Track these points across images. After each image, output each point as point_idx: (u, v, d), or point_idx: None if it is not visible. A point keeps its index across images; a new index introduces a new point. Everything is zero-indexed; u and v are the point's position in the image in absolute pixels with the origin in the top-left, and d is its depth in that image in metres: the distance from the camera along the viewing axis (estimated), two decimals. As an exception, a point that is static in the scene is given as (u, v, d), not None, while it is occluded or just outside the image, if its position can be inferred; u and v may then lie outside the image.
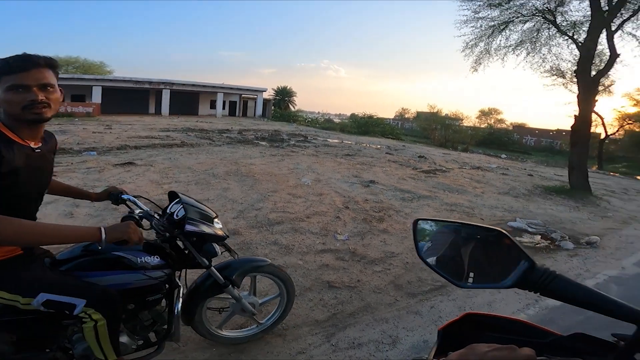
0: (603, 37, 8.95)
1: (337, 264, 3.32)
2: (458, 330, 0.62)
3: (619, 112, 27.62)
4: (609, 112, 32.76)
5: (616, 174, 17.67)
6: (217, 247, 1.62)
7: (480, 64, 11.31)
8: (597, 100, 9.99)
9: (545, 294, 0.52)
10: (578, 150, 9.07)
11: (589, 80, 8.93)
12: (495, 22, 10.46)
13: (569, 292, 0.52)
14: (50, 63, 1.16)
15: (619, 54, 8.91)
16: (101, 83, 24.56)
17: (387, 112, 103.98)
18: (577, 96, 9.10)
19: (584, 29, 9.31)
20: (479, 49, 11.10)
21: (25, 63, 1.10)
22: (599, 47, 9.47)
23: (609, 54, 9.01)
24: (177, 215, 1.55)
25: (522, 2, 9.86)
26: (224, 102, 31.63)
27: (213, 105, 30.90)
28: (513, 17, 10.21)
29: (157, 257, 1.46)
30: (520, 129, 41.55)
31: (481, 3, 10.19)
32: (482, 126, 42.87)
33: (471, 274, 0.57)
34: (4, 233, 1.00)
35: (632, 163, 26.71)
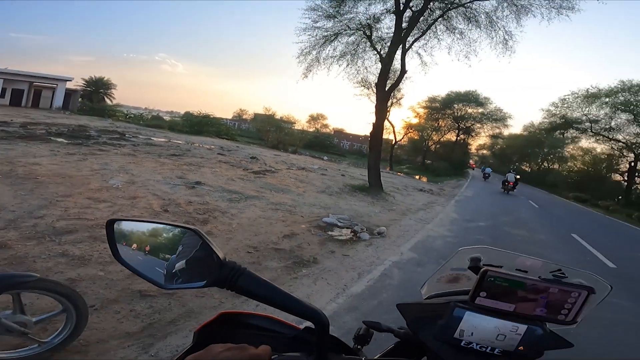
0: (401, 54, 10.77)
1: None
2: (217, 330, 0.61)
3: (405, 121, 36.27)
4: (398, 121, 42.52)
5: (401, 174, 22.97)
6: None
7: (310, 70, 12.40)
8: (389, 111, 12.54)
9: (235, 290, 0.51)
10: (374, 153, 10.97)
11: (384, 92, 10.77)
12: (329, 32, 11.64)
13: (253, 288, 0.51)
14: None
15: (407, 70, 11.09)
16: None
17: (226, 112, 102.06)
18: (375, 106, 10.92)
19: (388, 44, 11.05)
20: (311, 56, 12.16)
21: None
22: (397, 64, 11.42)
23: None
24: None
25: (352, 16, 11.24)
26: (3, 90, 23.89)
27: (-18, 92, 22.88)
28: (342, 29, 11.54)
29: None
30: (339, 133, 48.84)
31: (321, 13, 11.21)
32: (311, 130, 48.09)
33: (179, 274, 0.54)
34: None
35: (412, 165, 35.60)
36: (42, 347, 1.88)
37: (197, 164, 9.25)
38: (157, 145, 11.96)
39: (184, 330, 2.34)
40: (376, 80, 11.18)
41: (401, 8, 10.20)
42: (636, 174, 26.64)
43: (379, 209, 7.89)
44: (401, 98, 24.31)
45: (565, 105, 30.62)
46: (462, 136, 37.85)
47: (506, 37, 10.62)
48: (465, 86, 68.41)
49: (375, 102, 11.03)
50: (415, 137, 36.99)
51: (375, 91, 11.14)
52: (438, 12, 10.72)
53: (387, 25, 11.51)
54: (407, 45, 10.93)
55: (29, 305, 2.06)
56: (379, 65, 11.17)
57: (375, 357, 0.71)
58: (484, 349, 0.61)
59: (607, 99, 26.26)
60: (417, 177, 22.71)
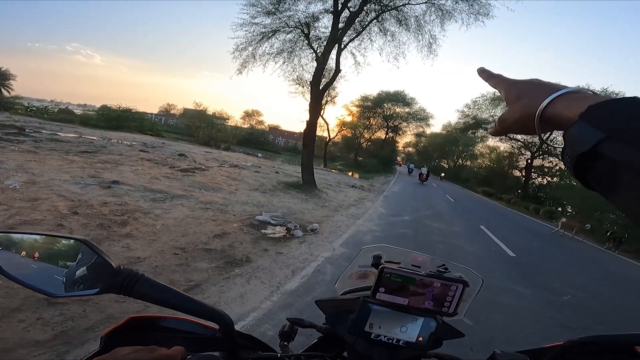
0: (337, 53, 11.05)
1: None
2: (126, 335, 0.58)
3: (339, 119, 37.31)
4: (333, 119, 43.55)
5: (335, 171, 23.58)
6: None
7: (245, 67, 12.07)
8: (324, 109, 12.78)
9: (133, 295, 0.51)
10: (308, 151, 11.13)
11: (318, 91, 10.98)
12: (267, 29, 11.41)
13: (151, 293, 0.51)
14: None
15: (341, 70, 11.42)
16: None
17: (152, 107, 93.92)
18: (309, 104, 11.08)
19: (324, 44, 11.26)
20: (247, 53, 11.83)
21: None
22: (332, 63, 11.68)
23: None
24: None
25: (291, 14, 11.16)
26: None
27: None
28: (281, 26, 11.39)
29: None
30: (274, 130, 48.41)
31: (260, 9, 10.92)
32: (245, 126, 46.81)
33: (80, 281, 0.52)
34: None
35: (346, 162, 36.83)
36: None
37: (115, 162, 8.39)
38: (65, 142, 10.54)
39: (103, 337, 2.16)
40: (311, 79, 11.32)
41: (339, 8, 10.49)
42: (532, 170, 30.93)
43: (312, 205, 8.02)
44: (335, 96, 24.93)
45: (476, 107, 34.08)
46: (390, 134, 40.18)
47: (431, 40, 11.58)
48: (395, 86, 72.75)
49: (309, 100, 11.16)
50: (349, 135, 38.32)
51: (310, 89, 11.28)
52: (373, 14, 11.25)
53: (325, 25, 11.73)
54: (342, 45, 11.27)
55: None
56: (315, 63, 11.33)
57: (296, 353, 0.73)
58: (390, 341, 0.66)
59: (509, 102, 30.03)
60: (349, 173, 23.56)
